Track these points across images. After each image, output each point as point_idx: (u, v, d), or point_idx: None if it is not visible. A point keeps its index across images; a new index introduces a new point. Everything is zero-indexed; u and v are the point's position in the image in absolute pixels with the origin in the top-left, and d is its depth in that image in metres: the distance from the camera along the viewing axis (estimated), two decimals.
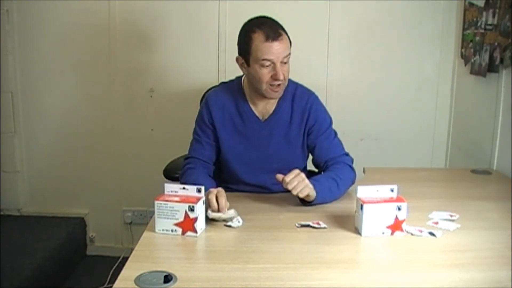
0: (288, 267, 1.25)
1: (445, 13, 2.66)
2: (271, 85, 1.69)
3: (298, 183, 1.54)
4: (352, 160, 1.82)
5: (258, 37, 1.65)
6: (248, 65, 1.70)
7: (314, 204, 1.64)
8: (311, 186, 1.58)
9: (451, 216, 1.56)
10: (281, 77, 1.66)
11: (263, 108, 1.80)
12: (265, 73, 1.67)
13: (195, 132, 1.83)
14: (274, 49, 1.64)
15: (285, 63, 1.68)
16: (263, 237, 1.43)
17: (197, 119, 1.84)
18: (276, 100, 1.80)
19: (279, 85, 1.69)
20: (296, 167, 1.59)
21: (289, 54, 1.68)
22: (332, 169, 1.74)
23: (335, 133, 1.85)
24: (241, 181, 1.80)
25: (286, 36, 1.68)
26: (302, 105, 1.80)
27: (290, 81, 1.85)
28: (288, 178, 1.54)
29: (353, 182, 1.77)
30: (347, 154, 1.82)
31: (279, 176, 1.55)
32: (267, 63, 1.65)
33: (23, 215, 2.91)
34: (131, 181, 2.87)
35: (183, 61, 2.73)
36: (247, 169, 1.79)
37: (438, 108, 2.76)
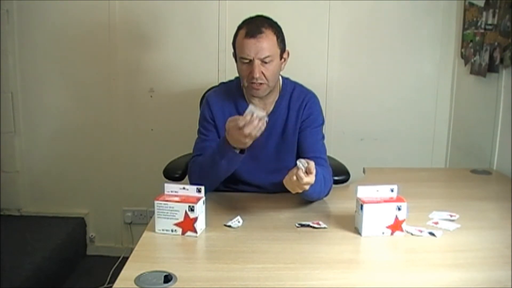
0: (288, 267, 1.25)
1: (445, 13, 2.66)
2: (251, 82, 1.68)
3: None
4: (332, 172, 1.75)
5: (241, 34, 1.66)
6: (236, 60, 1.72)
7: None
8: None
9: (451, 216, 1.57)
10: (256, 75, 1.64)
11: (262, 108, 1.80)
12: (244, 70, 1.68)
13: (199, 132, 1.83)
14: (251, 47, 1.63)
15: (266, 62, 1.65)
16: (263, 237, 1.43)
17: (200, 119, 1.84)
18: (274, 100, 1.80)
19: (260, 83, 1.68)
20: (294, 166, 1.57)
21: (271, 55, 1.64)
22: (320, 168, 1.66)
23: (323, 136, 1.83)
24: (240, 180, 1.80)
25: (270, 35, 1.65)
26: (298, 104, 1.80)
27: (289, 80, 1.85)
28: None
29: (325, 194, 1.71)
30: (326, 161, 1.77)
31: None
32: (245, 60, 1.66)
33: (23, 215, 2.90)
34: (131, 181, 2.87)
35: (183, 61, 2.73)
36: (245, 168, 1.79)
37: (438, 108, 2.76)
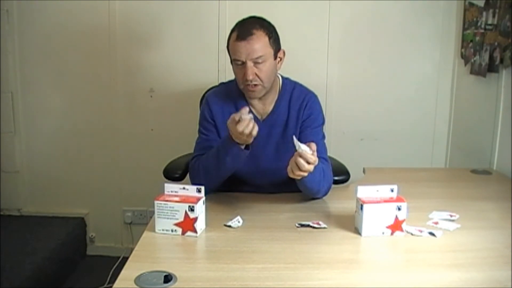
0: (288, 267, 1.25)
1: (445, 13, 2.66)
2: (246, 84, 1.69)
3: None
4: (332, 172, 1.76)
5: (233, 37, 1.68)
6: (231, 63, 1.73)
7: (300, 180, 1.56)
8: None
9: (451, 216, 1.57)
10: (249, 77, 1.64)
11: (261, 108, 1.80)
12: (238, 72, 1.69)
13: (199, 132, 1.84)
14: (241, 49, 1.64)
15: (259, 63, 1.65)
16: (263, 237, 1.43)
17: (200, 119, 1.85)
18: (274, 100, 1.80)
19: (255, 85, 1.68)
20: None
21: (263, 55, 1.64)
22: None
23: (324, 136, 1.83)
24: (240, 180, 1.80)
25: (261, 36, 1.65)
26: (298, 103, 1.80)
27: (288, 80, 1.85)
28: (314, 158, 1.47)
29: (325, 193, 1.72)
30: (327, 161, 1.77)
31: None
32: (238, 62, 1.66)
33: (23, 215, 2.91)
34: (131, 181, 2.87)
35: (183, 61, 2.73)
36: (245, 168, 1.78)
37: (438, 108, 2.76)
